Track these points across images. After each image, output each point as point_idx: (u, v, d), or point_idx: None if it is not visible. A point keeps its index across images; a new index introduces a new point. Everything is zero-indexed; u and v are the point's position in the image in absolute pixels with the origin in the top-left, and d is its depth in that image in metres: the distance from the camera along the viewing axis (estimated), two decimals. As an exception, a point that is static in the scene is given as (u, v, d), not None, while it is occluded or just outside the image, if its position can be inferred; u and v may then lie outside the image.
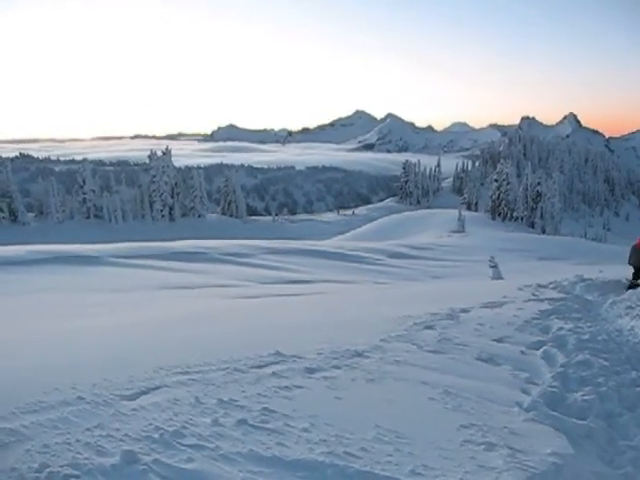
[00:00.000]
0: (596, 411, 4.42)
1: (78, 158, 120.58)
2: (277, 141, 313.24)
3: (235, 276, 16.55)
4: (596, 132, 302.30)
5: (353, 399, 3.96)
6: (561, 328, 6.87)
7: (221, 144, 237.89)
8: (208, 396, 3.77)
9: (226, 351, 4.90)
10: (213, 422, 3.34)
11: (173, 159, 62.91)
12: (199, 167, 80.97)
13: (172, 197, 59.66)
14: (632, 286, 10.28)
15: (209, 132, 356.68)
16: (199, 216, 62.03)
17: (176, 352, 4.91)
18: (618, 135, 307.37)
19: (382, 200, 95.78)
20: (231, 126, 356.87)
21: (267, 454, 3.01)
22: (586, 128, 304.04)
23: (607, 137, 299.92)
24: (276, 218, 71.84)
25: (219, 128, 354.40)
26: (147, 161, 60.51)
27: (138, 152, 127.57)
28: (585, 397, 4.61)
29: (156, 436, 3.07)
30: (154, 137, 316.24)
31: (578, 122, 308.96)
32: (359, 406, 3.83)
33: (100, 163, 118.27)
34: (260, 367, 4.50)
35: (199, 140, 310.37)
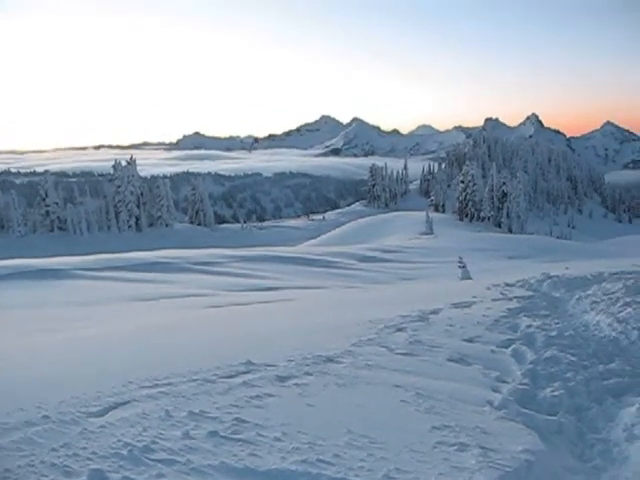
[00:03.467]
0: (566, 406, 4.49)
1: (39, 170, 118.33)
2: (243, 148, 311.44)
3: (204, 285, 16.41)
4: (558, 132, 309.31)
5: (325, 405, 3.95)
6: (529, 326, 6.98)
7: (187, 152, 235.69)
8: (178, 409, 3.70)
9: (196, 362, 4.84)
10: (184, 435, 3.29)
11: (138, 168, 62.07)
12: (165, 176, 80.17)
13: (138, 207, 58.84)
14: None
15: (174, 140, 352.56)
16: (167, 226, 61.30)
17: (145, 365, 4.84)
18: (578, 135, 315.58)
19: (350, 204, 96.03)
20: (197, 134, 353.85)
21: (239, 465, 2.97)
22: (548, 128, 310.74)
23: (568, 137, 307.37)
24: (244, 225, 71.43)
25: (184, 136, 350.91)
26: (111, 171, 59.49)
27: (102, 162, 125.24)
28: (554, 393, 4.68)
29: (125, 453, 3.01)
30: (118, 147, 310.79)
31: (540, 123, 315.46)
32: (331, 412, 3.82)
33: (63, 174, 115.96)
34: (231, 377, 4.45)
35: (165, 149, 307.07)
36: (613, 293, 8.61)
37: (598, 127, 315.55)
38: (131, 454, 3.00)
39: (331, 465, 3.03)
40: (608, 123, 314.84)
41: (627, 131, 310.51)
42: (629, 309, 7.30)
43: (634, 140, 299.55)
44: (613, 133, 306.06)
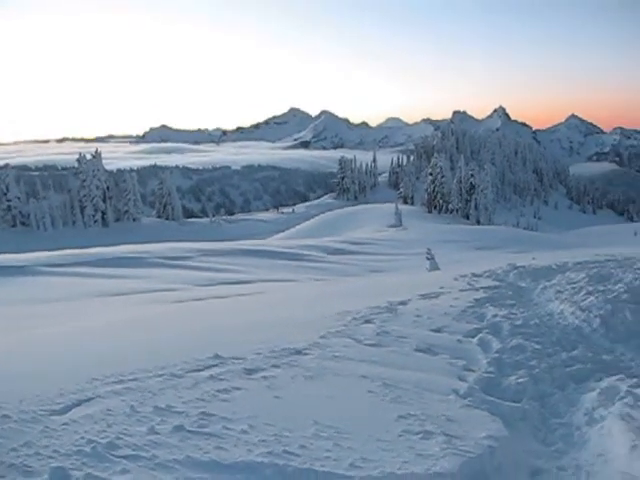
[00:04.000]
0: (530, 393, 4.59)
1: (0, 163, 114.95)
2: (212, 141, 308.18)
3: (173, 280, 16.24)
4: (524, 125, 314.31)
5: (292, 397, 3.95)
6: (495, 315, 7.05)
7: (154, 145, 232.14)
8: (144, 404, 3.67)
9: (163, 357, 4.80)
10: (149, 430, 3.26)
11: (104, 162, 60.95)
12: (132, 170, 79.26)
13: (104, 201, 57.81)
14: None
15: (141, 133, 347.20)
16: (134, 220, 60.41)
17: (111, 361, 4.77)
18: (544, 128, 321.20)
19: (319, 197, 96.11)
20: (163, 127, 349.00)
21: (205, 459, 2.96)
22: (514, 121, 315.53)
23: (534, 129, 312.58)
24: (213, 219, 70.85)
25: (151, 129, 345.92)
26: (76, 165, 58.29)
27: (66, 156, 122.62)
28: (519, 380, 4.77)
29: (88, 450, 2.96)
30: (83, 140, 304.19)
31: (507, 115, 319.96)
32: (298, 404, 3.83)
33: (25, 168, 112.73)
34: (198, 371, 4.43)
35: (131, 142, 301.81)
36: (576, 282, 8.76)
37: (563, 120, 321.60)
38: (94, 451, 2.96)
39: (297, 456, 3.04)
40: (573, 116, 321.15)
41: (591, 124, 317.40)
42: (591, 297, 7.44)
43: (597, 133, 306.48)
44: (577, 126, 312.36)
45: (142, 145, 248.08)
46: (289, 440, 3.23)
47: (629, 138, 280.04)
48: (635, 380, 4.68)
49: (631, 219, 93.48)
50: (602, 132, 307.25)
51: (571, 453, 3.70)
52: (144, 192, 79.37)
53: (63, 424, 3.30)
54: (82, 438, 3.11)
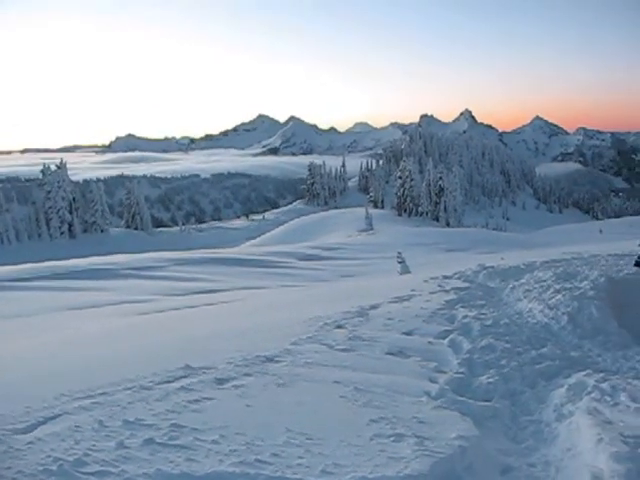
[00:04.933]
0: (500, 392, 4.63)
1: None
2: (179, 149, 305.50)
3: (143, 291, 16.03)
4: (490, 127, 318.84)
5: (264, 405, 3.93)
6: (466, 316, 7.09)
7: (121, 155, 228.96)
8: (113, 418, 3.60)
9: (132, 369, 4.71)
10: (118, 445, 3.19)
11: (70, 173, 60.08)
12: (98, 180, 78.11)
13: (70, 213, 56.84)
14: None
15: (107, 143, 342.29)
16: (102, 231, 59.55)
17: (79, 376, 4.67)
18: (510, 129, 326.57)
19: (290, 203, 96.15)
20: (130, 136, 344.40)
21: (176, 471, 2.92)
22: (481, 123, 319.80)
23: (500, 131, 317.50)
24: (183, 228, 70.29)
25: (117, 138, 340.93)
26: (40, 176, 57.22)
27: (29, 167, 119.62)
28: (490, 379, 4.81)
29: (54, 468, 2.88)
30: (47, 150, 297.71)
31: (473, 118, 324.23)
32: (270, 412, 3.81)
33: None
34: (168, 382, 4.36)
35: (97, 151, 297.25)
36: (544, 281, 8.87)
37: (528, 122, 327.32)
38: (61, 469, 2.88)
39: (269, 464, 3.03)
40: (537, 118, 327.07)
41: (555, 125, 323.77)
42: (559, 295, 7.56)
43: (561, 134, 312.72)
44: (542, 127, 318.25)
45: (109, 155, 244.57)
46: (261, 449, 3.21)
47: (592, 138, 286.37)
48: (602, 375, 4.78)
49: (596, 217, 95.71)
50: (566, 133, 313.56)
51: (541, 449, 3.75)
52: (112, 202, 78.43)
53: (28, 443, 3.21)
54: (48, 457, 3.02)
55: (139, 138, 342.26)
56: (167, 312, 11.05)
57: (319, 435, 3.41)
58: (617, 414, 3.84)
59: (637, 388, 4.41)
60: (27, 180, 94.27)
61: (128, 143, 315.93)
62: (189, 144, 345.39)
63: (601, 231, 43.52)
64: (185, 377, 4.50)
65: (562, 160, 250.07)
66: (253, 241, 50.21)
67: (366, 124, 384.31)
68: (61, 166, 57.33)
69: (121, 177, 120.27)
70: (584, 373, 4.86)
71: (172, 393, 4.10)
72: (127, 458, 3.05)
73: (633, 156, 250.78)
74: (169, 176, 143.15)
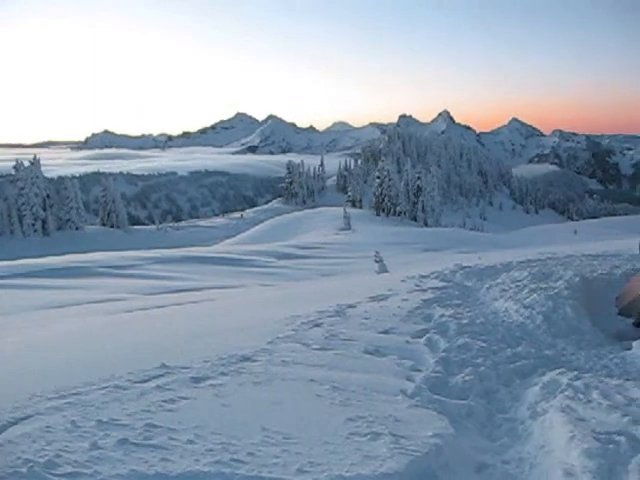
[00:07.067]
0: (476, 390, 4.66)
1: None
2: (157, 146, 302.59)
3: (119, 289, 15.85)
4: (468, 128, 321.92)
5: (240, 404, 3.90)
6: (442, 315, 7.13)
7: (97, 151, 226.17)
8: (86, 418, 3.54)
9: (107, 369, 4.65)
10: (91, 446, 3.14)
11: (44, 169, 59.07)
12: (73, 176, 76.73)
13: (44, 210, 55.91)
14: None
15: (82, 139, 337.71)
16: (77, 229, 58.71)
17: (52, 375, 4.59)
18: (487, 130, 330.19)
19: (268, 202, 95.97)
20: (106, 132, 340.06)
21: (150, 472, 2.88)
22: (459, 124, 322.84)
23: (478, 132, 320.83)
24: (160, 226, 69.66)
25: (93, 135, 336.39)
26: (13, 172, 56.19)
27: (1, 162, 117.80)
28: (466, 378, 4.84)
29: (24, 470, 2.82)
30: (20, 146, 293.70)
31: (452, 119, 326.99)
32: (246, 411, 3.78)
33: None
34: (144, 382, 4.31)
35: (72, 148, 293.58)
36: (520, 280, 8.97)
37: (505, 123, 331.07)
38: (31, 471, 2.82)
39: (245, 464, 3.00)
40: (514, 120, 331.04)
41: (531, 127, 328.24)
42: (534, 295, 7.66)
43: (538, 136, 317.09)
44: (519, 129, 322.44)
45: (84, 151, 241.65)
46: (236, 448, 3.18)
47: (567, 140, 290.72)
48: (575, 373, 4.85)
49: (571, 218, 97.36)
50: (542, 135, 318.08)
51: (515, 447, 3.78)
52: (87, 200, 77.46)
53: (-3, 445, 3.15)
54: (18, 458, 2.95)
55: (115, 134, 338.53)
56: (143, 311, 10.92)
57: (295, 434, 3.40)
58: (590, 411, 3.90)
59: (609, 386, 4.48)
60: None
61: (104, 139, 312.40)
62: (166, 142, 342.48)
63: (576, 232, 44.17)
64: (161, 376, 4.45)
65: (538, 161, 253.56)
66: (231, 240, 49.96)
67: (345, 123, 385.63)
68: (34, 162, 56.35)
69: (97, 174, 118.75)
70: (558, 371, 4.92)
71: (147, 392, 4.06)
72: (100, 459, 3.01)
73: (607, 158, 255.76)
74: (146, 173, 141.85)
